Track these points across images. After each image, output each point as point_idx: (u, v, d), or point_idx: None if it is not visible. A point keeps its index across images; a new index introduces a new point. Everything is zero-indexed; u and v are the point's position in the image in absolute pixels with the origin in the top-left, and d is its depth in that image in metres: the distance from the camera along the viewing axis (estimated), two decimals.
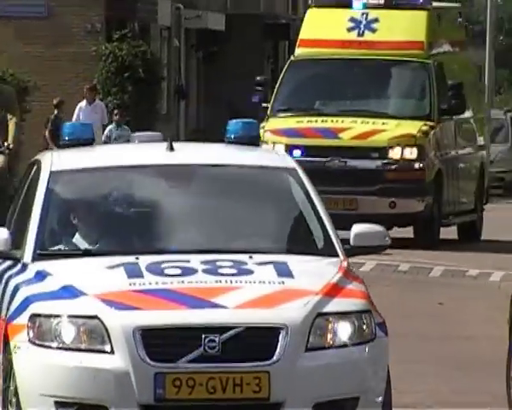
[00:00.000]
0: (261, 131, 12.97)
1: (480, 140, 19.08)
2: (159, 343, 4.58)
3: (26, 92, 29.38)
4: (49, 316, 4.75)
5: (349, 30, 17.08)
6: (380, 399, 4.68)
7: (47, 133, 28.26)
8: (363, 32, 17.06)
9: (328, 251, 5.32)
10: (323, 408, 4.59)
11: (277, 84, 17.53)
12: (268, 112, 17.14)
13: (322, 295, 4.67)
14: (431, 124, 16.63)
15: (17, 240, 5.42)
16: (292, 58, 17.93)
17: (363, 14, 17.13)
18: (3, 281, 5.53)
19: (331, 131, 16.00)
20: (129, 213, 5.64)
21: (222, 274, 4.91)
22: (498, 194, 31.08)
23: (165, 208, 5.57)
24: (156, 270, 4.96)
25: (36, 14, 32.92)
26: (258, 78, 18.38)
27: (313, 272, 5.06)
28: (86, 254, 5.31)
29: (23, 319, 4.85)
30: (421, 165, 16.05)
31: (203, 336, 4.53)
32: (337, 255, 5.28)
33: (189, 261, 5.07)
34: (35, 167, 5.99)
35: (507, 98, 66.99)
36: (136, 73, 32.17)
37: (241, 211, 5.67)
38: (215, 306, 4.65)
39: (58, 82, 31.87)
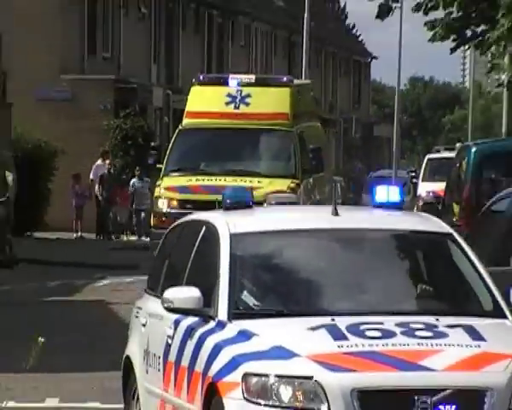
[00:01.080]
0: (157, 188, 18.04)
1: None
2: (374, 404, 4.47)
3: (55, 155, 34.35)
4: (265, 375, 4.52)
5: (227, 104, 18.11)
6: None
7: (97, 188, 33.74)
8: (238, 105, 18.00)
9: (498, 313, 5.21)
10: None
11: (168, 149, 18.80)
12: (162, 172, 18.39)
13: None
14: (297, 181, 17.69)
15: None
16: (180, 127, 19.04)
17: (237, 90, 18.22)
18: (196, 337, 5.21)
19: (215, 188, 16.07)
20: (309, 275, 5.40)
21: (420, 337, 4.77)
22: None
23: (340, 271, 5.43)
24: (357, 332, 4.79)
25: (63, 97, 38.25)
26: (152, 143, 19.70)
27: (499, 335, 4.94)
28: (279, 314, 5.14)
29: (235, 377, 4.63)
30: None
31: (416, 397, 4.41)
32: (506, 317, 5.18)
33: (383, 323, 4.91)
34: (204, 229, 5.78)
35: (409, 162, 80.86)
36: (136, 141, 36.87)
37: (408, 274, 5.61)
38: (425, 369, 4.50)
39: (80, 147, 35.53)
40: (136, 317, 6.65)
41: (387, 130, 67.74)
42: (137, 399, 6.24)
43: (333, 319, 4.88)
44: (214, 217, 5.89)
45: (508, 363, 4.47)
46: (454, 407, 4.38)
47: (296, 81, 21.69)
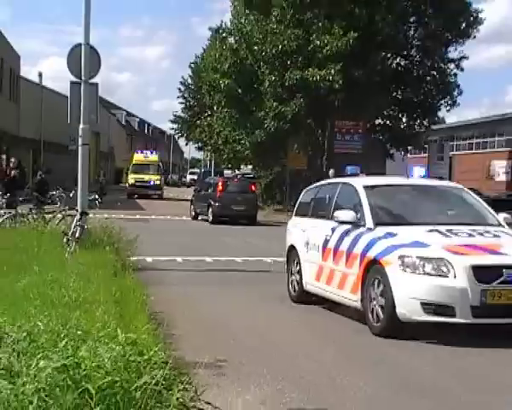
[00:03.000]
0: (129, 177, 51.47)
1: None
2: (482, 274, 8.28)
3: None
4: (413, 257, 8.53)
5: (144, 157, 50.73)
6: None
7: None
8: (147, 156, 51.27)
9: (499, 224, 10.06)
10: None
11: (131, 168, 50.58)
12: (129, 173, 46.44)
13: None
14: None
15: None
16: (132, 163, 49.94)
17: (145, 154, 52.48)
18: (353, 235, 9.68)
19: (143, 177, 47.32)
20: (413, 203, 10.65)
21: (488, 236, 9.16)
22: None
23: (428, 203, 10.71)
24: (453, 233, 9.09)
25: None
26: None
27: None
28: (403, 223, 9.60)
29: (392, 257, 8.68)
30: (160, 183, 46.37)
31: (504, 271, 8.30)
32: (503, 226, 10.00)
33: (462, 229, 9.30)
34: (340, 185, 11.11)
35: None
36: None
37: (460, 205, 10.88)
38: (504, 254, 8.59)
39: None
40: (294, 228, 12.25)
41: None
42: (298, 265, 11.61)
43: (435, 227, 9.25)
44: (348, 179, 11.17)
45: None
46: None
47: None
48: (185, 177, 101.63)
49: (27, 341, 4.59)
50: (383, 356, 8.22)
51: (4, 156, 49.37)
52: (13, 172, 23.99)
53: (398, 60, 36.07)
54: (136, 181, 48.78)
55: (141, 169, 49.75)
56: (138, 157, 52.89)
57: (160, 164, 54.07)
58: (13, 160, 25.77)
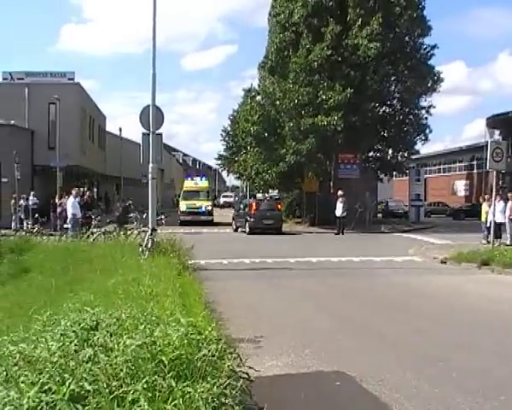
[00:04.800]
0: (181, 204, 37.29)
1: None
2: None
3: None
4: None
5: (194, 184, 38.52)
6: None
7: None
8: (196, 184, 39.11)
9: None
10: None
11: (181, 195, 38.19)
12: (180, 200, 36.64)
13: None
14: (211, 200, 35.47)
15: None
16: (182, 190, 38.63)
17: (196, 180, 40.06)
18: None
19: (194, 203, 36.22)
20: None
21: None
22: None
23: None
24: None
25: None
26: (175, 195, 38.73)
27: None
28: None
29: None
30: (211, 209, 35.14)
31: None
32: None
33: None
34: None
35: None
36: None
37: None
38: None
39: None
40: None
41: None
42: None
43: None
44: None
45: None
46: None
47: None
48: (218, 199, 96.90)
49: (116, 325, 4.62)
50: None
51: (95, 189, 50.36)
52: (85, 197, 25.49)
53: (383, 108, 35.89)
54: (187, 208, 37.21)
55: (191, 196, 38.06)
56: (189, 184, 40.41)
57: (209, 190, 42.35)
58: (82, 189, 28.06)
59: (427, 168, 62.54)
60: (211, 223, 36.21)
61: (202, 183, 40.88)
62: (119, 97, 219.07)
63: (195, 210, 36.83)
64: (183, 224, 34.40)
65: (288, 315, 9.41)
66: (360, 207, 32.67)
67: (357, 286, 12.80)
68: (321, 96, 30.36)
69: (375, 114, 33.55)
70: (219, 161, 75.47)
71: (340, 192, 30.44)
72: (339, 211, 29.76)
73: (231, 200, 78.53)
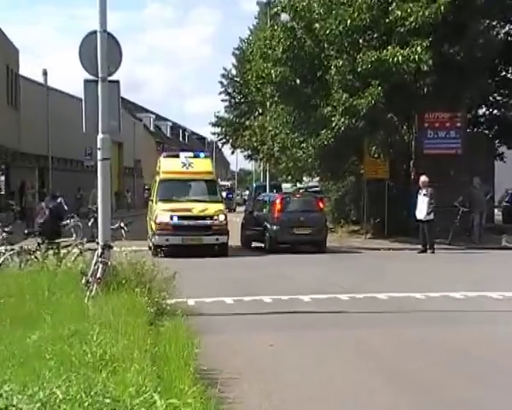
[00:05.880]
0: (155, 208, 31.52)
1: None
2: None
3: None
4: None
5: (182, 166, 33.13)
6: None
7: None
8: (188, 167, 33.26)
9: None
10: None
11: (155, 189, 32.85)
12: (154, 201, 32.34)
13: None
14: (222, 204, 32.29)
15: None
16: (159, 178, 33.09)
17: (186, 159, 33.60)
18: None
19: (187, 209, 31.00)
20: None
21: None
22: None
23: None
24: None
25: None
26: (146, 186, 38.16)
27: None
28: None
29: None
30: (225, 222, 30.34)
31: None
32: None
33: None
34: None
35: None
36: None
37: None
38: None
39: None
40: None
41: None
42: None
43: None
44: None
45: None
46: None
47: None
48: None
49: None
50: None
51: (2, 178, 50.03)
52: None
53: (506, 28, 35.42)
54: (172, 218, 30.10)
55: (180, 191, 32.01)
56: (172, 166, 33.17)
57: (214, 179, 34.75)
58: None
59: None
60: (223, 251, 30.17)
61: (201, 163, 33.41)
62: (45, 15, 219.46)
63: (191, 223, 30.10)
64: (167, 254, 23.85)
65: (336, 395, 9.37)
66: (463, 203, 32.68)
67: (459, 344, 12.75)
68: (394, 11, 30.16)
69: (492, 39, 32.88)
70: (218, 129, 74.93)
71: (423, 179, 30.49)
72: (422, 211, 29.93)
73: (225, 194, 75.65)
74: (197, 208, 30.48)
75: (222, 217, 30.38)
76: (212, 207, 30.71)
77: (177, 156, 34.20)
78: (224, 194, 44.40)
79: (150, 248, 29.60)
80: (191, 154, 34.88)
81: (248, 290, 18.46)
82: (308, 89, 33.38)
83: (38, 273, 15.11)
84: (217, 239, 29.85)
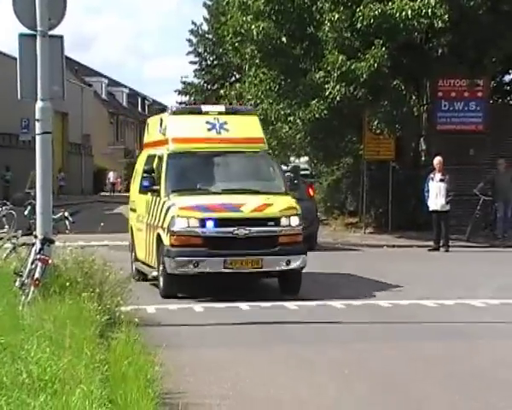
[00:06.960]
0: (173, 207, 22.01)
1: None
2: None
3: None
4: None
5: (209, 130, 24.57)
6: None
7: None
8: (219, 131, 24.73)
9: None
10: None
11: (163, 172, 23.50)
12: (162, 193, 22.98)
13: None
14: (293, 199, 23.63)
15: None
16: (167, 151, 23.96)
17: (214, 118, 24.79)
18: None
19: (233, 206, 21.75)
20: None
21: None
22: None
23: None
24: None
25: None
26: (145, 167, 25.40)
27: None
28: None
29: None
30: (301, 228, 21.76)
31: None
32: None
33: None
34: None
35: None
36: None
37: None
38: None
39: None
40: None
41: None
42: None
43: None
44: None
45: None
46: None
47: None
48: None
49: None
50: None
51: None
52: None
53: None
54: (204, 223, 21.32)
55: (207, 174, 24.16)
56: (190, 131, 24.79)
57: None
58: None
59: None
60: (296, 283, 21.35)
61: (242, 124, 25.39)
62: None
63: (240, 233, 21.04)
64: (184, 287, 20.89)
65: None
66: (484, 191, 32.82)
67: (482, 364, 12.80)
68: None
69: None
70: (185, 98, 74.57)
71: (438, 160, 30.54)
72: (436, 200, 29.89)
73: None
74: (249, 205, 21.85)
75: (295, 220, 21.70)
76: (275, 203, 22.14)
77: (199, 112, 25.72)
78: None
79: (138, 274, 23.58)
80: (222, 108, 26.39)
81: (221, 295, 18.45)
82: (296, 49, 33.40)
83: None
84: (287, 263, 20.84)
